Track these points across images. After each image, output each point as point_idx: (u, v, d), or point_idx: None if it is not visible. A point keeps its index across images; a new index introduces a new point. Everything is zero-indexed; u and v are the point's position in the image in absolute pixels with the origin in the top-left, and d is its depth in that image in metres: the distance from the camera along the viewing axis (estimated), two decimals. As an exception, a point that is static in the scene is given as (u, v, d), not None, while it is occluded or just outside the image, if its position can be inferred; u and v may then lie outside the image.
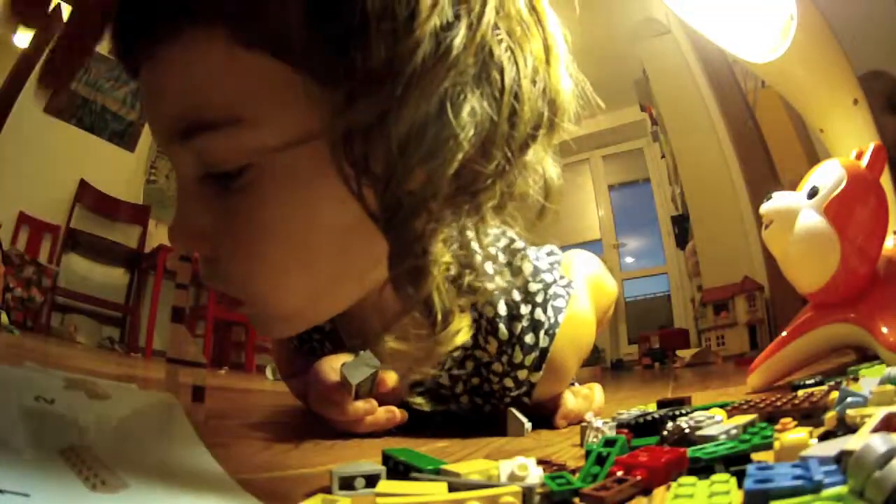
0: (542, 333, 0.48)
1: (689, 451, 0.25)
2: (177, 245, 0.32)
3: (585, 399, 0.56)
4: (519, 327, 0.47)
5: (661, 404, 0.46)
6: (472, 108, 0.25)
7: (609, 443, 0.29)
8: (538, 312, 0.48)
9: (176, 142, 0.29)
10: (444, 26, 0.24)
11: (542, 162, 0.33)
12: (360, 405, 0.46)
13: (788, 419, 0.30)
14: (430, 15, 0.23)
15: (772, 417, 0.32)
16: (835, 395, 0.33)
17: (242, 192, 0.29)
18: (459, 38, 0.24)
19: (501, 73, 0.26)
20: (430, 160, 0.25)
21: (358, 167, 0.26)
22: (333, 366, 0.47)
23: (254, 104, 0.27)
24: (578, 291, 0.52)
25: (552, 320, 0.48)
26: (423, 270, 0.28)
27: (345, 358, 0.47)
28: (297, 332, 0.39)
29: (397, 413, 0.47)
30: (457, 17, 0.24)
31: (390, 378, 0.47)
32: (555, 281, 0.50)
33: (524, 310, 0.47)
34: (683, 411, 0.37)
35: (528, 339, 0.47)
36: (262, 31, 0.26)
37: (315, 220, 0.29)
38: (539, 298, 0.48)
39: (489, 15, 0.25)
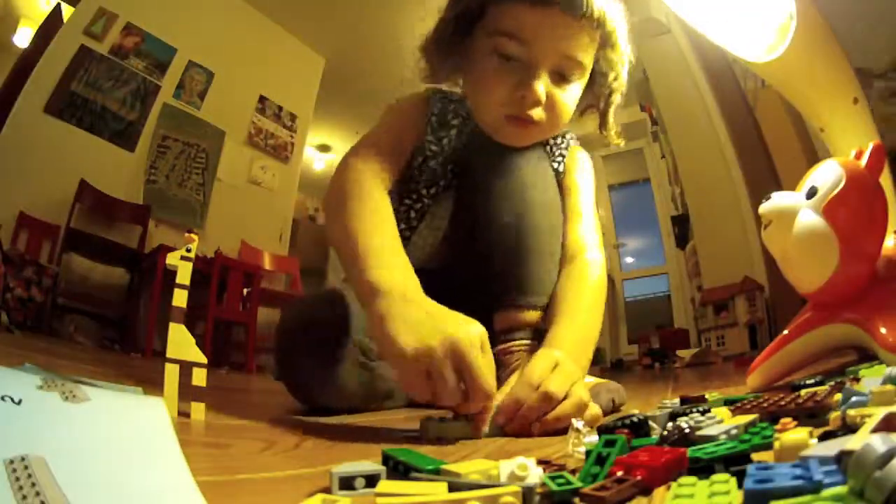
0: None
1: (689, 451, 0.25)
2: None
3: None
4: None
5: (684, 401, 0.48)
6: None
7: (609, 443, 0.28)
8: None
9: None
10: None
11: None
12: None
13: (788, 419, 0.30)
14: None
15: (775, 417, 0.32)
16: (838, 395, 0.33)
17: None
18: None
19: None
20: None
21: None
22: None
23: None
24: None
25: None
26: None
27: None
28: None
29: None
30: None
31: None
32: None
33: None
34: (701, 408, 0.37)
35: None
36: None
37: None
38: None
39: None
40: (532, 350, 0.66)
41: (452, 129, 0.79)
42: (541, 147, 0.76)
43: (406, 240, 0.77)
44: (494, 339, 0.70)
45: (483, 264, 0.72)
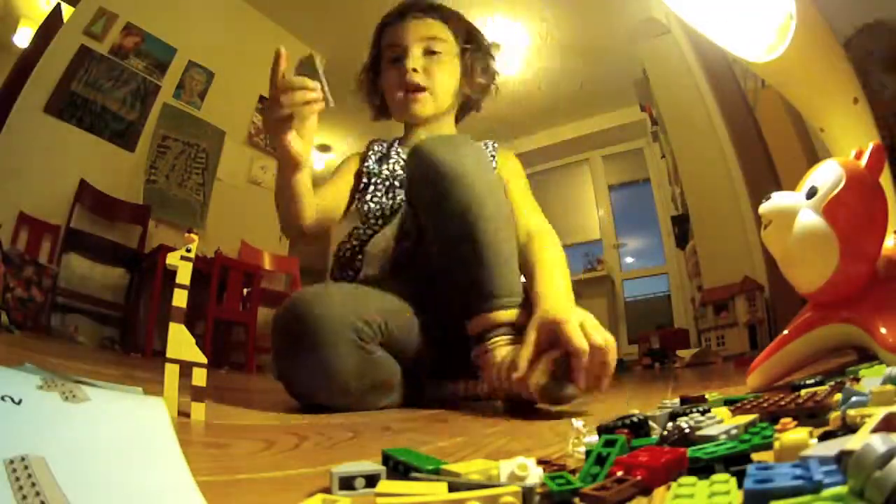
0: None
1: (689, 451, 0.25)
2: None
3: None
4: None
5: (684, 401, 0.48)
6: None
7: (609, 443, 0.28)
8: None
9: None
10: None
11: None
12: None
13: (788, 419, 0.30)
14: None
15: (775, 417, 0.32)
16: (838, 395, 0.33)
17: None
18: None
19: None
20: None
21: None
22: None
23: None
24: None
25: None
26: None
27: None
28: None
29: None
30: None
31: None
32: None
33: None
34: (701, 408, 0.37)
35: None
36: None
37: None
38: None
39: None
40: (512, 344, 0.67)
41: (391, 159, 0.97)
42: (475, 142, 0.81)
43: (359, 253, 0.90)
44: (472, 343, 0.71)
45: (445, 277, 0.75)
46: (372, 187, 0.93)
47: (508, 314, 0.70)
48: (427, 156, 0.73)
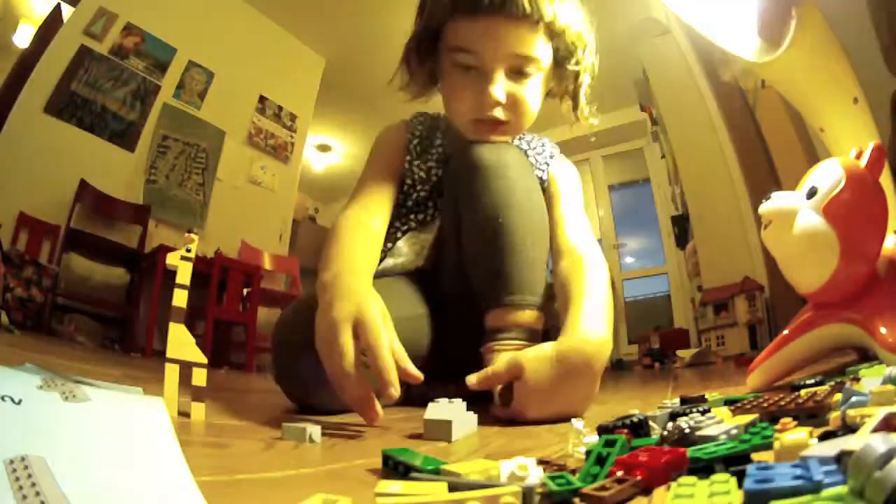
0: None
1: (690, 451, 0.25)
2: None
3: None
4: None
5: (684, 401, 0.48)
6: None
7: (609, 443, 0.28)
8: None
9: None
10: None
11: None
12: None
13: (789, 419, 0.30)
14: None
15: (775, 417, 0.32)
16: (838, 395, 0.33)
17: None
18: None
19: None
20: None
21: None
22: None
23: None
24: None
25: None
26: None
27: None
28: None
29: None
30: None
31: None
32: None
33: None
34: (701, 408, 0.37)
35: None
36: None
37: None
38: None
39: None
40: (519, 349, 0.66)
41: (437, 149, 0.85)
42: (522, 153, 0.78)
43: (391, 248, 0.84)
44: (484, 339, 0.70)
45: (471, 267, 0.74)
46: (415, 192, 0.85)
47: (524, 315, 0.69)
48: (473, 153, 0.73)
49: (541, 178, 0.84)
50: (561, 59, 0.76)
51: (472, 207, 0.73)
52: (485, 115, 0.73)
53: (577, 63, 0.77)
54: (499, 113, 0.73)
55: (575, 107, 0.82)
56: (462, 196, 0.75)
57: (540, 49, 0.71)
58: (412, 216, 0.86)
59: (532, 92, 0.74)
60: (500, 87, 0.71)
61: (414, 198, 0.85)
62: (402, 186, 0.85)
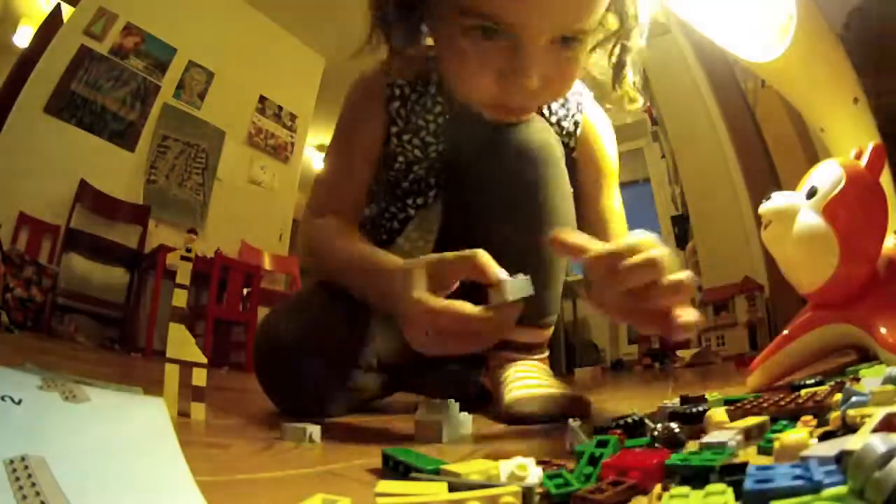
0: None
1: (677, 458, 0.24)
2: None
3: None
4: None
5: (684, 401, 0.48)
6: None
7: (601, 443, 0.29)
8: None
9: None
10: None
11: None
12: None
13: (810, 417, 0.30)
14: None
15: (775, 417, 0.32)
16: (838, 395, 0.33)
17: None
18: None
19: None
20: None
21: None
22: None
23: None
24: None
25: None
26: None
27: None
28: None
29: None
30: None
31: None
32: None
33: None
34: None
35: None
36: None
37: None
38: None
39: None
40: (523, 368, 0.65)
41: (434, 117, 0.69)
42: (544, 132, 0.65)
43: (390, 243, 0.75)
44: (488, 351, 0.68)
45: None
46: (411, 172, 0.73)
47: (549, 332, 0.69)
48: (502, 152, 0.64)
49: (567, 144, 0.73)
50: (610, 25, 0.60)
51: (503, 217, 0.64)
52: (513, 103, 0.54)
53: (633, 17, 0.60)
54: (533, 97, 0.54)
55: (618, 79, 0.63)
56: (487, 201, 0.65)
57: (596, 15, 0.51)
58: (409, 200, 0.75)
59: (572, 63, 0.54)
60: (537, 61, 0.49)
61: (410, 178, 0.73)
62: (394, 165, 0.72)
